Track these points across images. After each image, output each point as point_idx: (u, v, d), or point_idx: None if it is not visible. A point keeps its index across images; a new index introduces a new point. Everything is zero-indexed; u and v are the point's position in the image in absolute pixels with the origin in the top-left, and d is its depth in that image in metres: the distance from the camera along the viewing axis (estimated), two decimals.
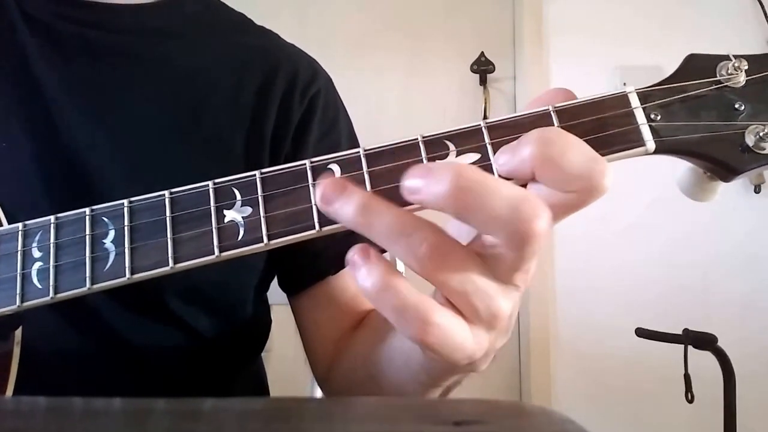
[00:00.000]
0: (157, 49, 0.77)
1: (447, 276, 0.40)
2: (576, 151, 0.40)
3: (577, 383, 2.41)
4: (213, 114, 0.76)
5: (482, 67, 2.48)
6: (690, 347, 1.68)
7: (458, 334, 0.41)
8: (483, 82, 2.47)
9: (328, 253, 0.76)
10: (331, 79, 0.84)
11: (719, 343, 1.65)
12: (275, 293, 0.84)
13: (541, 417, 0.36)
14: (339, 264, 0.78)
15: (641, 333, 1.81)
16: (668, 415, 2.30)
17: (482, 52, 2.49)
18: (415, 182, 0.40)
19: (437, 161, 0.44)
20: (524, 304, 2.44)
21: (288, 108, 0.78)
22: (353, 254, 0.41)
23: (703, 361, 1.65)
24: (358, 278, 0.41)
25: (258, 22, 0.86)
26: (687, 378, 1.68)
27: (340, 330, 0.78)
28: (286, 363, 1.19)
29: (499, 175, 0.42)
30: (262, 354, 0.89)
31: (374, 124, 2.26)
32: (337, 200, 0.41)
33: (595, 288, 2.42)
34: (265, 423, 0.36)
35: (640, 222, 2.43)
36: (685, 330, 1.68)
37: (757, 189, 2.42)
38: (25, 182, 0.70)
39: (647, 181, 2.19)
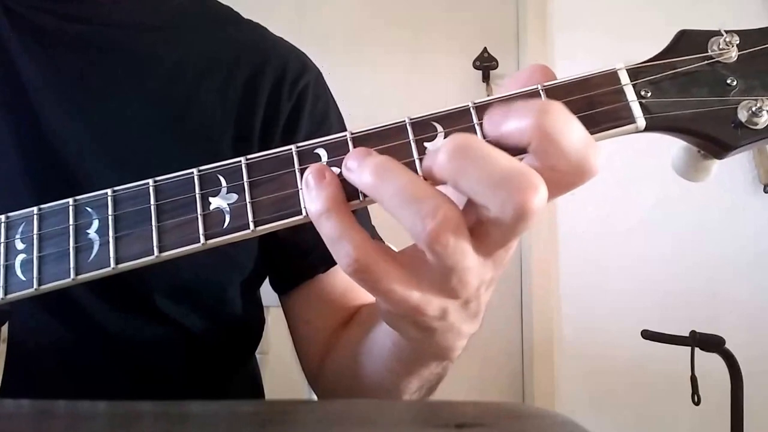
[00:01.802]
0: (142, 42, 0.76)
1: (448, 251, 0.39)
2: (575, 129, 0.39)
3: (581, 385, 2.40)
4: (200, 109, 0.75)
5: (485, 63, 2.47)
6: (697, 349, 1.67)
7: (388, 278, 0.42)
8: (486, 78, 2.46)
9: (318, 251, 0.76)
10: (320, 73, 0.84)
11: (727, 345, 1.64)
12: (272, 296, 0.84)
13: (544, 419, 0.37)
14: (328, 262, 0.77)
15: (647, 335, 1.81)
16: (674, 417, 2.29)
17: (485, 48, 2.49)
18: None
19: None
20: (528, 304, 2.43)
21: (277, 102, 0.77)
22: (308, 173, 0.43)
23: (710, 363, 1.64)
24: (306, 199, 0.43)
25: (256, 16, 0.86)
26: (694, 380, 1.67)
27: (330, 327, 0.77)
28: (283, 365, 1.18)
29: (488, 140, 0.41)
30: (259, 356, 0.89)
31: (375, 121, 2.25)
32: (358, 167, 0.41)
33: (600, 289, 2.41)
34: (261, 426, 0.36)
35: (646, 222, 2.42)
36: (692, 332, 1.68)
37: (767, 188, 2.41)
38: (7, 176, 0.69)
39: (653, 181, 2.18)
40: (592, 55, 2.40)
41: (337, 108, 0.84)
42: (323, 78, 0.84)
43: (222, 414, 0.39)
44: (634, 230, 2.42)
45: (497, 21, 2.54)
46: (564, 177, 0.39)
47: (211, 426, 0.37)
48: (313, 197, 0.42)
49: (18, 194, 0.68)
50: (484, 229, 0.40)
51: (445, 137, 0.43)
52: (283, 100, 0.78)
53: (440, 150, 0.39)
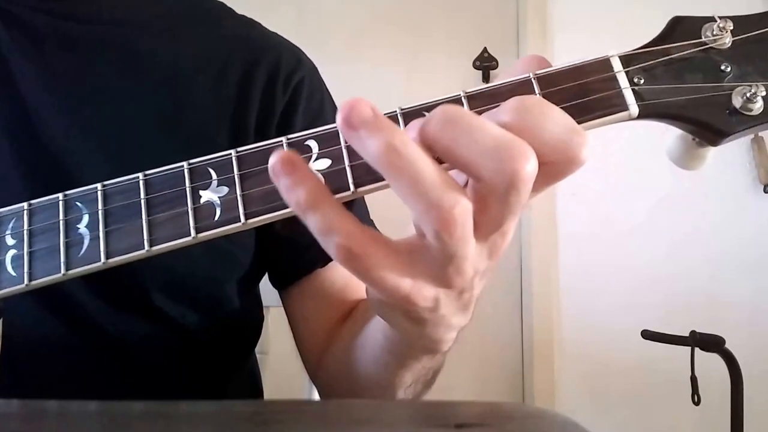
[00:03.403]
0: (135, 39, 0.76)
1: (457, 244, 0.39)
2: (555, 120, 0.39)
3: (581, 385, 2.40)
4: (195, 106, 0.75)
5: (485, 63, 2.47)
6: (697, 349, 1.66)
7: (382, 266, 0.40)
8: (486, 78, 2.46)
9: (317, 246, 0.75)
10: (316, 68, 0.83)
11: (727, 345, 1.64)
12: (272, 295, 0.84)
13: (544, 419, 0.36)
14: (327, 257, 0.76)
15: (647, 335, 1.81)
16: (674, 417, 2.29)
17: (485, 48, 2.48)
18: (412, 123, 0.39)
19: None
20: (528, 304, 2.43)
21: (271, 98, 0.77)
22: (275, 160, 0.38)
23: (710, 363, 1.64)
24: (283, 190, 0.39)
25: (256, 15, 0.85)
26: (694, 380, 1.67)
27: (329, 322, 0.77)
28: (283, 365, 1.18)
29: None
30: (259, 356, 0.89)
31: None
32: (369, 136, 0.38)
33: (600, 289, 2.41)
34: (260, 426, 0.36)
35: (646, 222, 2.42)
36: (692, 332, 1.67)
37: (767, 188, 2.41)
38: (2, 176, 0.69)
39: (653, 181, 2.18)
40: (592, 56, 2.39)
41: (333, 102, 0.84)
42: (318, 72, 0.84)
43: (221, 414, 0.39)
44: (634, 230, 2.42)
45: (497, 21, 2.54)
46: (551, 168, 0.39)
47: (209, 426, 0.37)
48: (291, 192, 0.39)
49: (11, 190, 0.68)
50: (479, 208, 0.39)
51: None
52: (277, 95, 0.77)
53: (431, 120, 0.38)
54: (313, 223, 0.39)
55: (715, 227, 2.42)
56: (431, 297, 0.42)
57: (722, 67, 0.41)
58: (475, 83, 2.56)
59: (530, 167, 0.37)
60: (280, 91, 0.77)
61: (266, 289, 0.84)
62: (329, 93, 0.84)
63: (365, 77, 2.41)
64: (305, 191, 0.38)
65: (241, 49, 0.79)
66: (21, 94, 0.71)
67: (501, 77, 0.44)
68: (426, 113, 0.43)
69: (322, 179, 0.44)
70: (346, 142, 0.44)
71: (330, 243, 0.39)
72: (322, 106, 0.81)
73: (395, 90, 2.45)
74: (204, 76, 0.76)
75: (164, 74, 0.75)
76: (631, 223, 2.41)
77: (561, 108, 0.39)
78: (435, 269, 0.41)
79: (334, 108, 0.84)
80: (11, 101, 0.70)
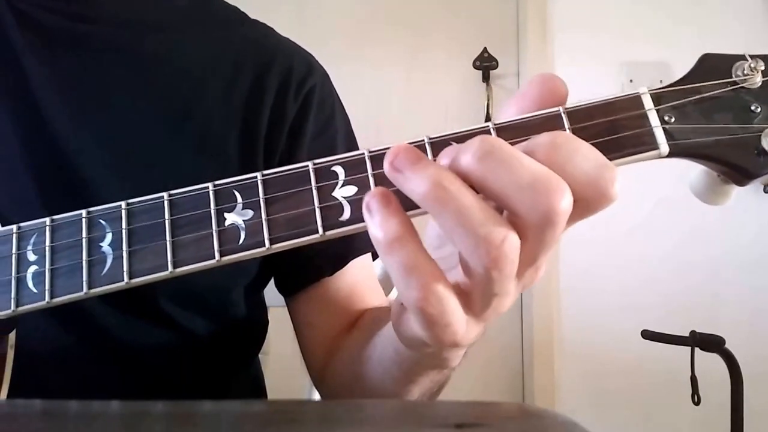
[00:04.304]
0: (147, 43, 0.76)
1: (504, 279, 0.39)
2: (585, 156, 0.39)
3: (582, 385, 2.40)
4: (205, 110, 0.75)
5: (485, 63, 2.46)
6: (697, 349, 1.67)
7: (455, 314, 0.40)
8: (486, 78, 2.45)
9: (324, 254, 0.76)
10: (327, 75, 0.83)
11: (727, 345, 1.64)
12: (273, 295, 0.84)
13: (544, 419, 0.36)
14: (335, 265, 0.78)
15: (647, 335, 1.81)
16: (675, 417, 2.30)
17: (485, 48, 2.47)
18: (445, 153, 0.39)
19: None
20: (528, 304, 2.43)
21: (282, 104, 0.77)
22: (371, 198, 0.39)
23: (710, 363, 1.64)
24: (371, 226, 0.39)
25: (256, 15, 0.85)
26: (694, 380, 1.67)
27: (335, 330, 0.77)
28: (284, 365, 1.18)
29: None
30: (260, 356, 0.89)
31: (375, 121, 2.24)
32: (410, 168, 0.39)
33: (600, 289, 2.41)
34: (263, 426, 0.36)
35: (647, 222, 2.42)
36: (692, 332, 1.68)
37: (767, 188, 2.41)
38: (14, 177, 0.69)
39: (654, 181, 2.18)
40: (592, 56, 2.39)
41: (343, 109, 0.84)
42: (329, 79, 0.84)
43: (225, 414, 0.39)
44: (634, 230, 2.42)
45: (497, 21, 2.53)
46: (582, 203, 0.39)
47: (214, 426, 0.37)
48: (381, 223, 0.39)
49: (25, 197, 0.68)
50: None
51: None
52: (289, 101, 0.77)
53: (467, 150, 0.38)
54: (396, 259, 0.39)
55: (716, 227, 2.42)
56: (473, 336, 0.43)
57: (752, 108, 0.41)
58: (475, 83, 2.56)
59: (566, 203, 0.37)
60: (291, 97, 0.77)
61: (266, 289, 0.85)
62: (340, 100, 0.84)
63: (364, 78, 2.39)
64: (396, 224, 0.39)
65: (252, 54, 0.78)
66: (33, 94, 0.71)
67: (512, 103, 0.44)
68: (453, 142, 0.43)
69: (349, 207, 0.44)
70: (373, 170, 0.44)
71: (412, 283, 0.39)
72: (333, 113, 0.82)
73: (395, 90, 2.44)
74: (215, 79, 0.76)
75: (175, 77, 0.75)
76: (631, 222, 2.41)
77: (591, 144, 0.40)
78: (479, 306, 0.41)
79: (344, 115, 0.84)
80: (24, 101, 0.71)
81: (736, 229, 2.43)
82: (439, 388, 0.63)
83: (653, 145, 0.41)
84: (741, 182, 0.42)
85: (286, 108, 0.77)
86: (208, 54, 0.77)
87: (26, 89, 0.71)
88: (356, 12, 2.48)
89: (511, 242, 0.37)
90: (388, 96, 2.43)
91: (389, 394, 0.61)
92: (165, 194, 0.47)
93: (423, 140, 0.44)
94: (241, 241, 0.45)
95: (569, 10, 2.46)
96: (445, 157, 0.39)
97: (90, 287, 0.47)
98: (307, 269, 0.78)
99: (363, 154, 0.44)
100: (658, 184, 2.26)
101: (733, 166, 0.41)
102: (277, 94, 0.77)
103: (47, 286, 0.48)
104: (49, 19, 0.73)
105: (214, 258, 0.45)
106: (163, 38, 0.77)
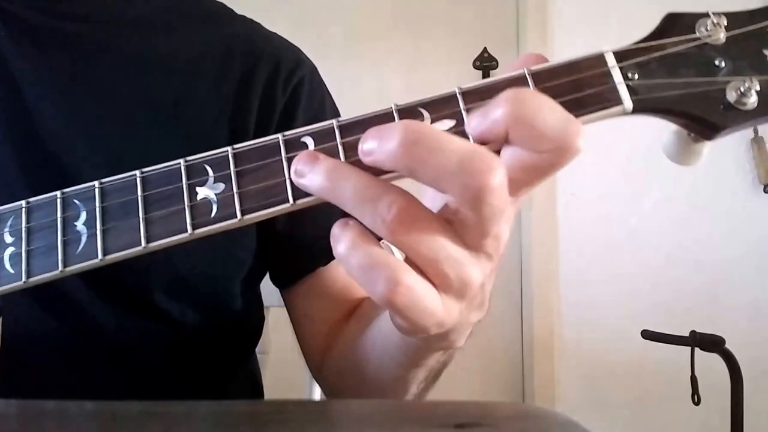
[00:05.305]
0: (135, 39, 0.76)
1: (416, 241, 0.39)
2: (549, 110, 0.39)
3: (581, 385, 2.40)
4: (195, 105, 0.75)
5: (485, 63, 2.47)
6: (697, 349, 1.67)
7: (427, 298, 0.41)
8: (486, 78, 2.45)
9: (318, 245, 0.76)
10: (315, 68, 0.83)
11: (727, 345, 1.65)
12: (273, 295, 0.84)
13: (543, 419, 0.37)
14: (329, 255, 0.76)
15: (647, 335, 1.81)
16: (674, 417, 2.29)
17: (485, 48, 2.48)
18: (369, 144, 0.40)
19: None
20: (528, 304, 2.43)
21: (271, 98, 0.77)
22: (335, 228, 0.41)
23: (710, 363, 1.64)
24: (334, 245, 0.41)
25: (256, 15, 0.85)
26: (694, 380, 1.67)
27: (332, 321, 0.77)
28: (283, 365, 1.18)
29: (473, 140, 0.41)
30: (259, 356, 0.89)
31: None
32: (309, 171, 0.41)
33: (600, 289, 2.41)
34: (260, 426, 0.36)
35: (647, 222, 2.42)
36: (692, 332, 1.68)
37: (767, 188, 2.41)
38: (3, 176, 0.69)
39: (653, 181, 2.18)
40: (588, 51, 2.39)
41: (333, 102, 0.84)
42: (318, 73, 0.84)
43: (222, 414, 0.39)
44: (635, 230, 2.42)
45: (497, 21, 2.54)
46: (545, 159, 0.39)
47: (211, 426, 0.37)
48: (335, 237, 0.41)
49: (11, 188, 0.69)
50: (458, 219, 0.40)
51: (431, 123, 0.43)
52: (277, 95, 0.77)
53: (390, 139, 0.39)
54: (354, 262, 0.40)
55: (716, 227, 2.42)
56: (456, 313, 0.43)
57: (716, 63, 0.41)
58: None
59: (496, 178, 0.37)
60: (280, 90, 0.78)
61: (266, 289, 0.84)
62: (329, 93, 0.84)
63: (364, 77, 2.41)
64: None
65: (241, 49, 0.79)
66: (20, 92, 0.71)
67: (500, 75, 0.45)
68: (422, 109, 0.44)
69: None
70: (342, 139, 0.44)
71: (374, 280, 0.40)
72: (322, 106, 0.82)
73: (395, 90, 2.45)
74: (203, 74, 0.76)
75: (163, 72, 0.75)
76: (631, 222, 2.41)
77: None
78: (474, 240, 0.41)
79: (334, 107, 0.84)
80: (11, 99, 0.71)
81: (736, 228, 2.42)
82: (441, 369, 0.62)
83: (617, 102, 0.41)
84: (709, 136, 0.41)
85: (274, 101, 0.77)
86: (197, 50, 0.78)
87: (13, 86, 0.71)
88: (355, 12, 2.49)
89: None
90: (388, 96, 2.41)
91: (396, 379, 0.61)
92: (137, 172, 0.48)
93: (390, 108, 0.44)
94: (213, 214, 0.45)
95: (569, 10, 2.47)
96: (370, 140, 0.40)
97: (65, 265, 0.47)
98: (301, 259, 0.78)
99: (332, 123, 0.45)
100: (658, 184, 2.26)
101: (699, 119, 0.41)
102: (266, 87, 0.77)
103: (24, 267, 0.48)
104: (36, 17, 0.73)
105: (187, 231, 0.45)
106: (151, 33, 0.77)
